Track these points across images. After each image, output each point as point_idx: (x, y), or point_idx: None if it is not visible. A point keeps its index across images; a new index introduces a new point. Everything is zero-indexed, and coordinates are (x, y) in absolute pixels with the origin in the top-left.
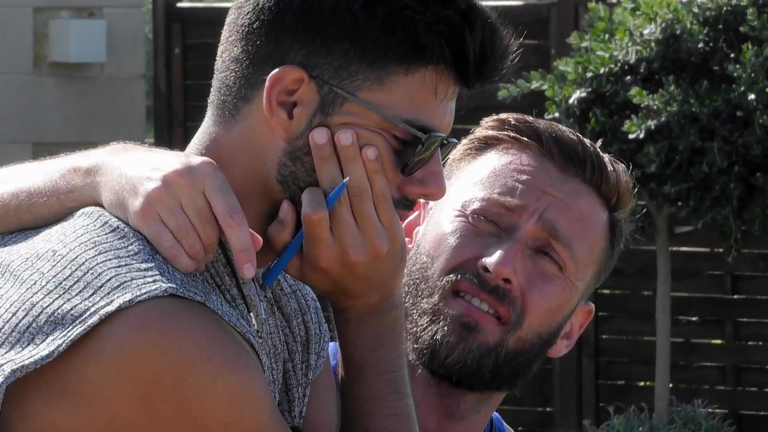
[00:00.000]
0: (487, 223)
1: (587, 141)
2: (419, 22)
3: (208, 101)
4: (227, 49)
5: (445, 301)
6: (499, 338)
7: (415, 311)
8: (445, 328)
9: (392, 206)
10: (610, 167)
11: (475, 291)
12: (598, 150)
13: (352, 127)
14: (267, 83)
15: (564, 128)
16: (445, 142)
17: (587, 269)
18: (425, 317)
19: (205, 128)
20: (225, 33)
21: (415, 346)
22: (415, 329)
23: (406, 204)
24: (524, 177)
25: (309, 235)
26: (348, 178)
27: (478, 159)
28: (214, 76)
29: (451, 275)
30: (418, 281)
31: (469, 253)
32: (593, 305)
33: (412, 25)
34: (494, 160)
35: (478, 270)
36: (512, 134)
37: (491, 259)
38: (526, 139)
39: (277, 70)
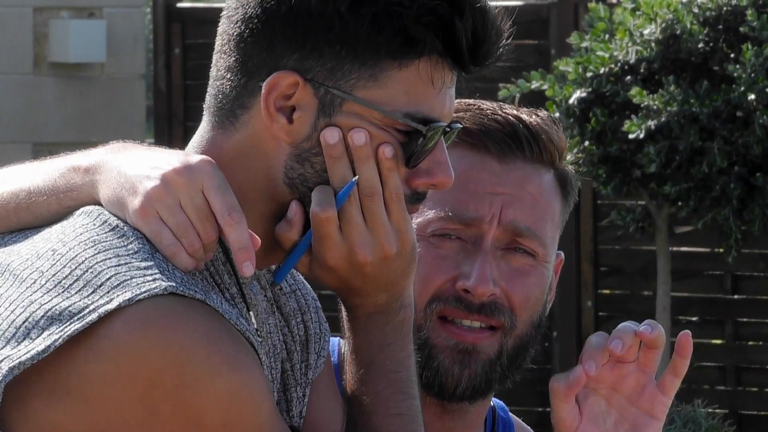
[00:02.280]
0: (449, 241)
1: (510, 112)
2: (407, 16)
3: (204, 106)
4: (221, 58)
5: (435, 332)
6: (498, 347)
7: None
8: (446, 360)
9: (404, 206)
10: (542, 132)
11: (464, 315)
12: (524, 117)
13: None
14: (263, 90)
15: (486, 107)
16: (447, 129)
17: (554, 240)
18: (420, 352)
19: (204, 133)
20: (218, 42)
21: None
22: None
23: (416, 198)
24: (471, 185)
25: (317, 234)
26: (357, 177)
27: None
28: (210, 83)
29: (434, 304)
30: None
31: (443, 278)
32: (563, 253)
33: (400, 19)
34: None
35: (459, 293)
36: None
37: (470, 282)
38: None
39: (271, 77)
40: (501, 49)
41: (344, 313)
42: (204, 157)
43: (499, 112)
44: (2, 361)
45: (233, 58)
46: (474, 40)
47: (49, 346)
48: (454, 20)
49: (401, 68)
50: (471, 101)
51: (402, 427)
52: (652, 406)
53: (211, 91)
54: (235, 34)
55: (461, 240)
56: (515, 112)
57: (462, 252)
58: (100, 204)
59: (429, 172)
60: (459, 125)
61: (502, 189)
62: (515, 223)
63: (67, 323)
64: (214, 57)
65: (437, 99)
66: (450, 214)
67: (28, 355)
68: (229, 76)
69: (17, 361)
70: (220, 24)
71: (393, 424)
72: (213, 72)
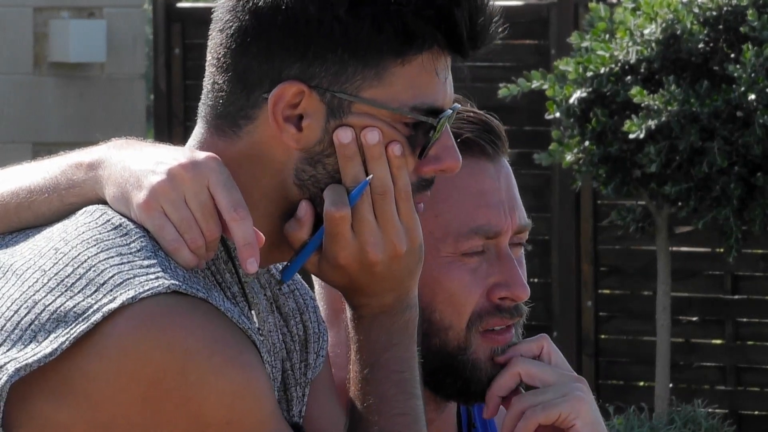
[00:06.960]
0: (475, 254)
1: (473, 111)
2: (407, 13)
3: (199, 114)
4: (217, 73)
5: (480, 348)
6: (517, 340)
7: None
8: (488, 366)
9: (413, 204)
10: (497, 122)
11: (506, 322)
12: (480, 113)
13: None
14: (269, 103)
15: (472, 112)
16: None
17: None
18: (477, 371)
19: (201, 140)
20: (210, 56)
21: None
22: (457, 383)
23: (424, 185)
24: (483, 196)
25: (330, 233)
26: (371, 176)
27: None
28: (204, 92)
29: (476, 323)
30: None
31: (477, 293)
32: None
33: (399, 17)
34: (448, 183)
35: (495, 303)
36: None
37: (511, 290)
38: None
39: (276, 89)
40: (496, 31)
41: (349, 313)
42: (210, 153)
43: (470, 113)
44: (9, 362)
45: (231, 73)
46: (471, 27)
47: (56, 349)
48: (452, 10)
49: (404, 64)
50: None
51: (406, 426)
52: None
53: (206, 101)
54: (231, 47)
55: (482, 250)
56: (470, 109)
57: (485, 262)
58: (103, 200)
59: (438, 158)
60: (458, 105)
61: (504, 192)
62: (519, 222)
63: (73, 324)
64: (208, 70)
65: (440, 87)
66: (475, 231)
67: (35, 358)
68: (228, 88)
69: (23, 363)
70: (210, 38)
71: (397, 424)
72: (207, 84)
